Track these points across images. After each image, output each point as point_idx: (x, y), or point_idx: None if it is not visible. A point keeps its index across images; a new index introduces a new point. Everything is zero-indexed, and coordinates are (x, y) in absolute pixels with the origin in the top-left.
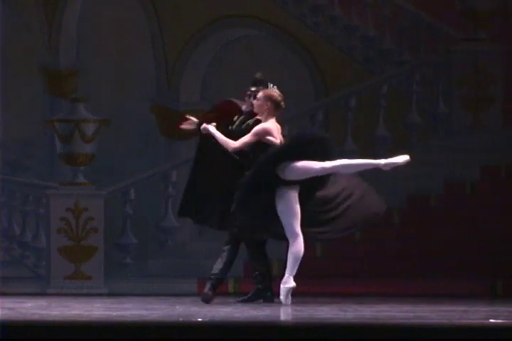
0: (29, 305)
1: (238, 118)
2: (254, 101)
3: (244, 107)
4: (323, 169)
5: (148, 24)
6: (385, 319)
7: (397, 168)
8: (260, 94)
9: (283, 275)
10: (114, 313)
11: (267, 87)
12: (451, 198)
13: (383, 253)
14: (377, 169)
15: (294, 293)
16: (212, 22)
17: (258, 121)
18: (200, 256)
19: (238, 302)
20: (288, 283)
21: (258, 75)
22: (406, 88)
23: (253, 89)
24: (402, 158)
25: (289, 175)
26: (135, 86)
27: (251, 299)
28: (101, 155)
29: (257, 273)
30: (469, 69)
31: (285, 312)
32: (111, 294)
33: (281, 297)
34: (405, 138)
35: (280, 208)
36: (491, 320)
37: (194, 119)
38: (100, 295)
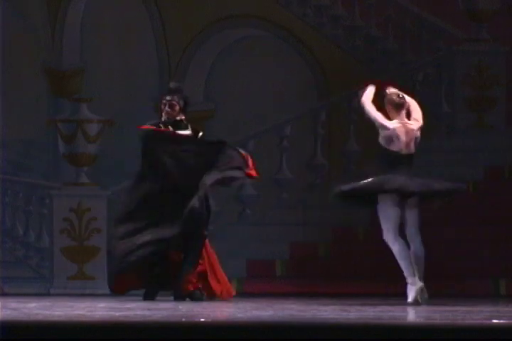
0: (32, 305)
1: (174, 126)
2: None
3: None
4: None
5: (151, 24)
6: (388, 319)
7: None
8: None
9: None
10: (118, 313)
11: (181, 95)
12: (454, 198)
13: (387, 254)
14: None
15: (297, 293)
16: (216, 22)
17: (197, 131)
18: None
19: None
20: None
21: (172, 85)
22: (409, 88)
23: (168, 98)
24: None
25: None
26: (138, 86)
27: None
28: (104, 155)
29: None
30: (472, 70)
31: (288, 313)
32: (114, 294)
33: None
34: None
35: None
36: (494, 321)
37: None
38: (103, 295)
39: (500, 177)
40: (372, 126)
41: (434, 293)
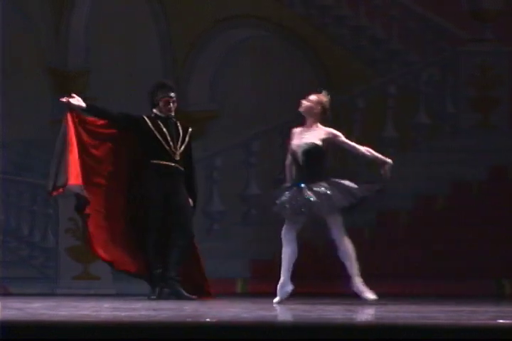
0: (37, 305)
1: (165, 121)
2: (304, 102)
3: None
4: None
5: (156, 25)
6: (393, 319)
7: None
8: (314, 98)
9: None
10: (123, 314)
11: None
12: (458, 199)
13: (390, 254)
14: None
15: (302, 293)
16: (220, 22)
17: (187, 127)
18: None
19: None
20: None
21: (169, 82)
22: (413, 88)
23: (172, 95)
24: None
25: None
26: (143, 86)
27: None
28: None
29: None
30: (476, 70)
31: (293, 313)
32: (119, 294)
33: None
34: (412, 139)
35: None
36: (499, 321)
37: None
38: (108, 295)
39: (504, 177)
40: (372, 126)
41: (436, 293)
